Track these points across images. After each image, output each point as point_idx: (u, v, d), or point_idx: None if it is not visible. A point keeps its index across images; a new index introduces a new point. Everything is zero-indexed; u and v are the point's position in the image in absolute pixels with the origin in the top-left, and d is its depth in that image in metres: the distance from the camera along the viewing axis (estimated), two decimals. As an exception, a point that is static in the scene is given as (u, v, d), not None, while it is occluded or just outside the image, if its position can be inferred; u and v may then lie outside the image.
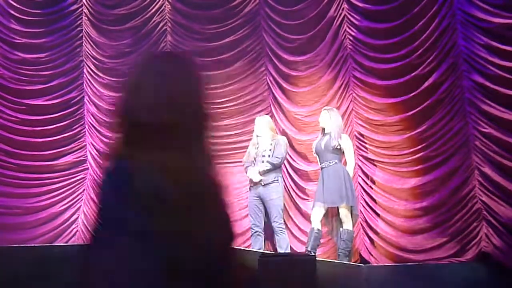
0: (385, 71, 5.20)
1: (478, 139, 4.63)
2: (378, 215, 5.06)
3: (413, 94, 5.00)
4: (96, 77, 6.53)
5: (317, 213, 4.68)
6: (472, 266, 4.45)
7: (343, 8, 5.47)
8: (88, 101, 6.54)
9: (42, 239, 6.13)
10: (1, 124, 6.40)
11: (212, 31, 6.12)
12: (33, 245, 5.40)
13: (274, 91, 5.81)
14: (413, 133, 4.99)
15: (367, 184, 5.16)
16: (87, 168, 6.49)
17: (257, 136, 5.22)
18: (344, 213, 4.66)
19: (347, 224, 4.67)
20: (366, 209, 5.10)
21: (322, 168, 4.83)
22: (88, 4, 6.62)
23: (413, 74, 5.00)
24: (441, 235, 4.69)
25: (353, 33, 5.40)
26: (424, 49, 4.94)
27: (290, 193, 5.49)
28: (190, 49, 6.19)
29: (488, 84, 4.61)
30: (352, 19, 5.41)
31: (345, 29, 5.45)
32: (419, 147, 4.93)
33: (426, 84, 4.92)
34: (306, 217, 5.22)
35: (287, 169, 5.54)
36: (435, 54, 4.89)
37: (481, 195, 4.55)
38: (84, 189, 6.44)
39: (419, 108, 4.95)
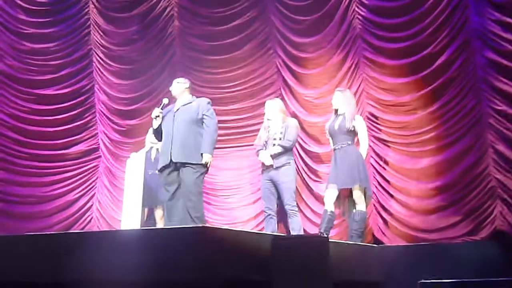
0: (395, 50, 5.14)
1: (492, 117, 4.58)
2: (391, 195, 5.04)
3: (425, 73, 4.94)
4: (105, 65, 6.53)
5: (330, 194, 4.66)
6: (486, 244, 4.44)
7: (351, -13, 5.39)
8: (98, 89, 6.55)
9: (57, 227, 6.21)
10: (12, 114, 6.45)
11: (219, 15, 6.07)
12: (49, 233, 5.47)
13: (283, 74, 5.77)
14: (425, 112, 4.94)
15: (380, 164, 5.13)
16: (100, 156, 6.54)
17: (268, 119, 5.19)
18: (357, 194, 4.64)
19: (360, 205, 4.66)
20: (379, 190, 5.08)
21: (334, 150, 4.79)
22: (95, -8, 6.60)
23: (424, 52, 4.94)
24: (455, 214, 4.67)
25: (362, 13, 5.32)
26: (436, 26, 4.86)
27: (302, 175, 5.49)
28: (197, 33, 6.15)
29: (502, 61, 4.54)
30: (361, -3, 5.34)
31: (354, 9, 5.37)
32: (432, 126, 4.89)
33: (438, 62, 4.86)
34: (319, 199, 5.22)
35: (298, 152, 5.52)
36: (447, 31, 4.81)
37: (495, 173, 4.52)
38: (97, 177, 6.49)
39: (431, 87, 4.90)
